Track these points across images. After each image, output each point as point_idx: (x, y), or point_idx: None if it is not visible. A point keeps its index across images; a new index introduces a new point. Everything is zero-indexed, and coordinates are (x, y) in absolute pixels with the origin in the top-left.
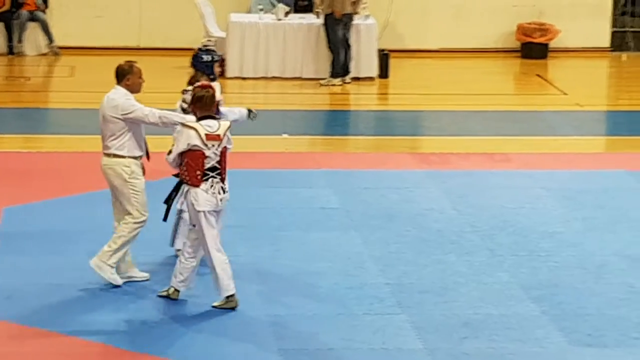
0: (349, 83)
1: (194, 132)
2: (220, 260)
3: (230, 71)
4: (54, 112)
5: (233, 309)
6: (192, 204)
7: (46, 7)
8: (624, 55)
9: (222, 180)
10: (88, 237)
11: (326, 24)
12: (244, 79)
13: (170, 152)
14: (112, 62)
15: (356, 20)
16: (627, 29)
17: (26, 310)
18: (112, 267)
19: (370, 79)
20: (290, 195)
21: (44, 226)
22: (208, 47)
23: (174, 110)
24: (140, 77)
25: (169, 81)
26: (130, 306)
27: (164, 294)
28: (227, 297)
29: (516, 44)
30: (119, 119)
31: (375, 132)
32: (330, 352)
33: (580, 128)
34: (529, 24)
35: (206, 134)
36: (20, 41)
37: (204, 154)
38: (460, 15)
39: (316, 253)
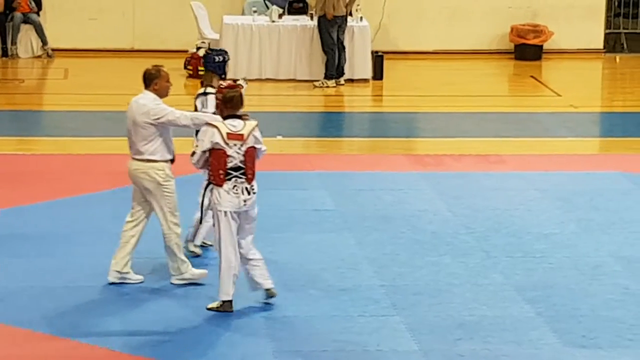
0: (343, 85)
1: (216, 130)
2: (227, 263)
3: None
4: (48, 115)
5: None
6: (215, 203)
7: (39, 9)
8: (618, 57)
9: (248, 180)
10: (83, 239)
11: (320, 26)
12: (236, 81)
13: (193, 153)
14: (105, 64)
15: (350, 22)
16: (620, 30)
17: (20, 313)
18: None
19: (365, 80)
20: (284, 197)
21: (38, 228)
22: (219, 48)
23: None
24: (167, 81)
25: None
26: (125, 309)
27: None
28: (224, 301)
29: (510, 46)
30: (151, 124)
31: (369, 134)
32: (325, 354)
33: (574, 129)
34: (523, 25)
35: (228, 133)
36: (13, 43)
37: (225, 152)
38: (454, 17)
39: (311, 254)
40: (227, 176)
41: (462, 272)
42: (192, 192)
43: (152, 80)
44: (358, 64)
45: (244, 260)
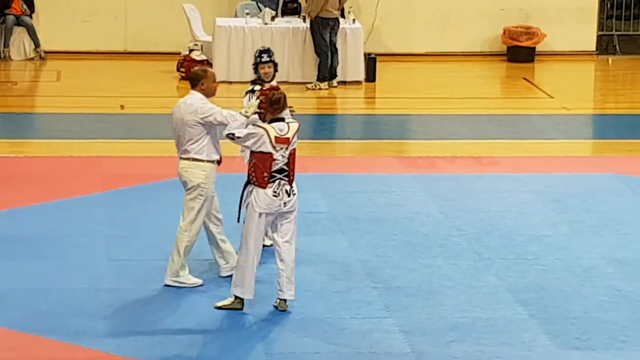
0: (335, 87)
1: (265, 133)
2: (247, 260)
3: (217, 75)
4: (41, 117)
5: (236, 309)
6: (252, 204)
7: (32, 11)
8: (610, 59)
9: (289, 182)
10: (76, 241)
11: (312, 28)
12: (230, 83)
13: (233, 136)
14: (98, 66)
15: (343, 24)
16: (613, 32)
17: (12, 315)
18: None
19: (357, 82)
20: None
21: (30, 231)
22: (265, 48)
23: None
24: (214, 81)
25: (156, 85)
26: (117, 311)
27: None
28: (236, 297)
29: (502, 48)
30: (199, 123)
31: (362, 136)
32: (318, 356)
33: (567, 131)
34: (516, 27)
35: (276, 137)
36: (6, 46)
37: (272, 156)
38: (447, 19)
39: (303, 257)
40: (271, 178)
41: (454, 274)
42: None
43: (199, 80)
44: (351, 66)
45: (280, 260)
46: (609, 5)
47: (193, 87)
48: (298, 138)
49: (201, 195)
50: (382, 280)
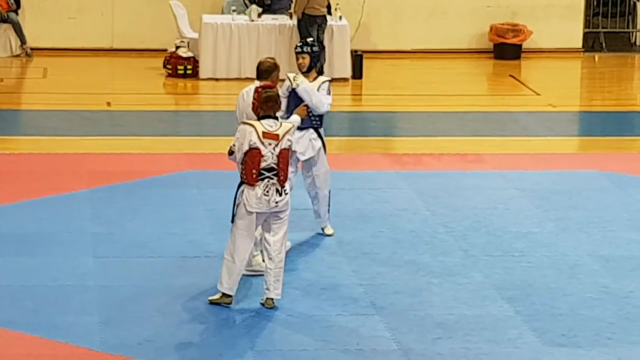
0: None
1: (252, 128)
2: (232, 257)
3: (203, 72)
4: (27, 114)
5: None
6: (244, 203)
7: (18, 8)
8: (597, 56)
9: (280, 182)
10: (62, 238)
11: (299, 25)
12: (217, 80)
13: (231, 152)
14: (84, 63)
15: (329, 21)
16: (599, 29)
17: None
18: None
19: (344, 79)
20: None
21: (16, 228)
22: (306, 40)
23: None
24: (278, 76)
25: (142, 82)
26: (105, 308)
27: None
28: (223, 294)
29: (489, 45)
30: None
31: (348, 133)
32: (304, 353)
33: (553, 129)
34: (502, 24)
35: (264, 132)
36: None
37: (260, 152)
38: (434, 16)
39: (290, 253)
40: (260, 176)
41: (441, 271)
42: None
43: (272, 72)
44: (337, 63)
45: (269, 258)
46: (595, 2)
47: (264, 78)
48: (292, 141)
49: None
50: (369, 277)
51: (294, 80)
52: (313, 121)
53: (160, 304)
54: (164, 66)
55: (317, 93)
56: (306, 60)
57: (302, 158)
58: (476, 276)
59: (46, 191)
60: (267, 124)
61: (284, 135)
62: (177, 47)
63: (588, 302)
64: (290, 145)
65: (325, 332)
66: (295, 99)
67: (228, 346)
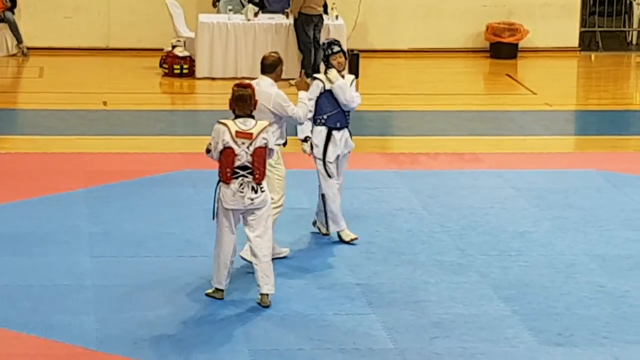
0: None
1: (225, 128)
2: (219, 253)
3: (200, 72)
4: (23, 113)
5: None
6: (221, 200)
7: (14, 7)
8: (593, 55)
9: (256, 180)
10: (58, 238)
11: (296, 25)
12: (213, 79)
13: (208, 150)
14: (81, 62)
15: (326, 20)
16: (595, 28)
17: None
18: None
19: None
20: None
21: (13, 227)
22: (329, 40)
23: None
24: (282, 70)
25: (139, 82)
26: (101, 307)
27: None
28: (216, 288)
29: (485, 44)
30: (272, 109)
31: None
32: (301, 353)
33: (549, 128)
34: (498, 24)
35: (237, 131)
36: None
37: (234, 151)
38: (430, 15)
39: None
40: (234, 175)
41: (437, 271)
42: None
43: (277, 66)
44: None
45: (253, 255)
46: (591, 1)
47: (268, 72)
48: (268, 139)
49: (278, 177)
50: (365, 276)
51: (328, 78)
52: (347, 119)
53: (156, 303)
54: (160, 65)
55: (350, 89)
56: (343, 59)
57: (339, 153)
58: (473, 275)
59: (42, 191)
60: (242, 123)
61: (258, 134)
62: (174, 47)
63: (584, 302)
64: (266, 144)
65: (322, 332)
66: (328, 99)
67: (225, 346)
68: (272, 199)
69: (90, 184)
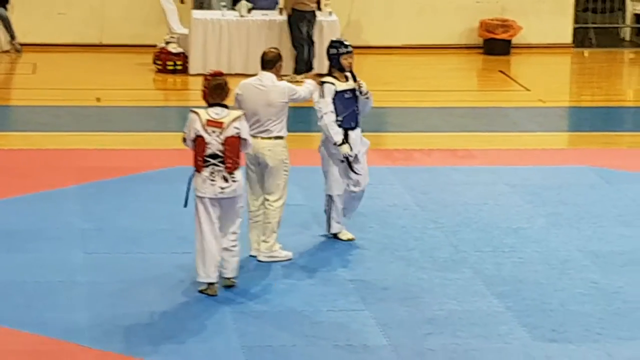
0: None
1: (196, 117)
2: (202, 246)
3: (193, 68)
4: (16, 109)
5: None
6: (195, 188)
7: (7, 3)
8: (586, 52)
9: (228, 169)
10: (51, 234)
11: (289, 21)
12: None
13: (184, 139)
14: (74, 59)
15: (319, 17)
16: (589, 25)
17: None
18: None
19: None
20: None
21: (6, 224)
22: (338, 39)
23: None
24: (282, 66)
25: (132, 78)
26: (95, 303)
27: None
28: (207, 283)
29: (479, 41)
30: (285, 102)
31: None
32: (295, 349)
33: (543, 124)
34: (492, 20)
35: (208, 120)
36: None
37: (204, 139)
38: (424, 12)
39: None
40: (205, 163)
41: (431, 267)
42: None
43: (277, 62)
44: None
45: (223, 246)
46: None
47: (269, 68)
48: (240, 129)
49: (285, 170)
50: (359, 273)
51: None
52: (359, 117)
53: (150, 300)
54: (154, 62)
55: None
56: (352, 58)
57: (356, 152)
58: (466, 272)
59: (36, 187)
60: (214, 112)
61: (230, 123)
62: (167, 43)
63: (578, 298)
64: (238, 133)
65: (316, 328)
66: (341, 100)
67: (218, 342)
68: (276, 197)
69: (83, 181)
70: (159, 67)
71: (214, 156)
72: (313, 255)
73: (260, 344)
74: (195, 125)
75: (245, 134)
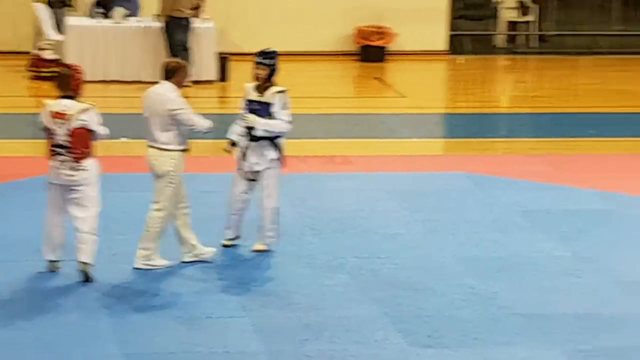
0: (188, 86)
1: (45, 109)
2: (46, 226)
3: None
4: None
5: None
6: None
7: None
8: (461, 58)
9: (75, 159)
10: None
11: (166, 28)
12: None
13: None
14: None
15: (195, 23)
16: (463, 32)
17: None
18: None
19: (210, 82)
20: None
21: None
22: (262, 50)
23: None
24: (185, 76)
25: (5, 85)
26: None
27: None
28: (49, 260)
29: (355, 47)
30: (168, 114)
31: (214, 136)
32: (172, 356)
33: (419, 130)
34: (367, 27)
35: (53, 112)
36: None
37: (51, 130)
38: (299, 18)
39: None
40: (53, 152)
41: (308, 273)
42: None
43: (175, 72)
44: (203, 65)
45: (75, 228)
46: (459, 5)
47: (168, 78)
48: (88, 120)
49: (171, 182)
50: (237, 279)
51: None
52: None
53: (17, 310)
54: (29, 69)
55: (274, 123)
56: (264, 72)
57: (256, 168)
58: (343, 278)
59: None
60: (63, 104)
61: (74, 115)
62: (42, 49)
63: (455, 304)
64: (84, 125)
65: (192, 335)
66: (251, 111)
67: (94, 349)
68: (157, 207)
69: None
70: (34, 73)
71: (60, 146)
72: (193, 264)
73: (137, 351)
74: (44, 117)
75: (93, 125)
